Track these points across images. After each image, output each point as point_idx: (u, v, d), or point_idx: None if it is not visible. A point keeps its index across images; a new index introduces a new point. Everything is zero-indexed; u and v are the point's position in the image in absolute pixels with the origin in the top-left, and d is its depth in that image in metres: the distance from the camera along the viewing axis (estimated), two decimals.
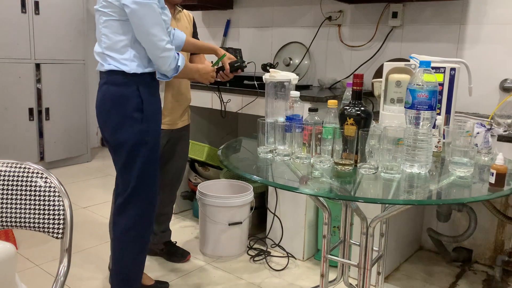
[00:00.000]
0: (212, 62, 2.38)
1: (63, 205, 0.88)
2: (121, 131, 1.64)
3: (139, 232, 1.78)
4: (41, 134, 3.92)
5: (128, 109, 1.63)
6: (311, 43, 2.88)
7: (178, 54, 1.68)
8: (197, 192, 2.46)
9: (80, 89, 4.14)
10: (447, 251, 2.42)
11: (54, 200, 0.88)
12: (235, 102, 2.59)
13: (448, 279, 2.27)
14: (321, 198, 1.46)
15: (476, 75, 2.05)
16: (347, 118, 1.29)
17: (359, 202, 1.40)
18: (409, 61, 2.32)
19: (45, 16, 3.80)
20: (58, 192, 0.90)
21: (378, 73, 2.55)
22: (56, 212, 0.87)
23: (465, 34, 2.33)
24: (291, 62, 2.95)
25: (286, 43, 3.02)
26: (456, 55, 2.36)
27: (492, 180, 1.12)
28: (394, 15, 2.51)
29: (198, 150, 2.89)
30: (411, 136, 1.22)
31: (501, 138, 1.74)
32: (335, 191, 1.18)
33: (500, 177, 1.11)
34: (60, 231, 0.86)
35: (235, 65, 2.06)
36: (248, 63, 2.06)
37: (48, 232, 0.87)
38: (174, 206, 2.68)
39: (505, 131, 1.82)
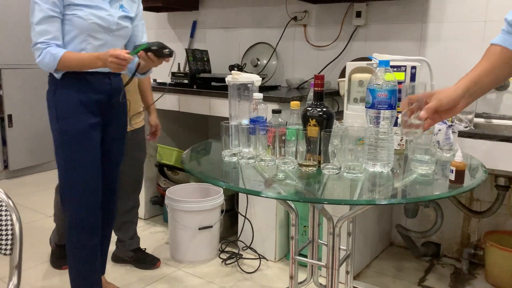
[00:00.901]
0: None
1: (11, 220, 0.83)
2: (52, 131, 1.73)
3: (74, 237, 1.74)
4: (4, 142, 3.79)
5: (50, 110, 1.72)
6: (278, 43, 2.88)
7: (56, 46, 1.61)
8: (165, 197, 2.42)
9: (45, 94, 4.01)
10: (416, 247, 2.47)
11: (1, 215, 0.84)
12: (202, 104, 2.57)
13: (417, 274, 2.31)
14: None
15: (438, 72, 2.09)
16: (310, 119, 1.28)
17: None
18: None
19: (4, 19, 3.67)
20: (6, 206, 0.85)
21: (344, 72, 2.57)
22: (4, 227, 0.82)
23: (427, 32, 2.38)
24: (258, 62, 2.94)
25: (253, 43, 3.01)
26: (418, 53, 2.40)
27: (452, 177, 1.14)
28: (358, 14, 2.54)
29: (166, 154, 2.85)
30: (372, 135, 1.23)
31: (462, 134, 1.77)
32: (299, 194, 1.17)
33: (460, 174, 1.13)
34: (9, 247, 0.82)
35: (164, 50, 1.60)
36: (168, 51, 1.62)
37: None
38: (140, 211, 2.64)
39: (466, 127, 1.86)
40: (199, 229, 2.33)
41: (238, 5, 3.06)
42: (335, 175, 1.24)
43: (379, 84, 1.23)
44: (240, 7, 3.05)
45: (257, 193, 1.13)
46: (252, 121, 1.41)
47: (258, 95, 1.43)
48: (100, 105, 1.74)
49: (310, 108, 1.30)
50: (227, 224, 2.66)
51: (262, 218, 2.42)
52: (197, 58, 2.84)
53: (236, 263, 2.38)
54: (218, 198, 2.39)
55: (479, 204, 2.34)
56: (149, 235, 2.75)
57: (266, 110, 1.46)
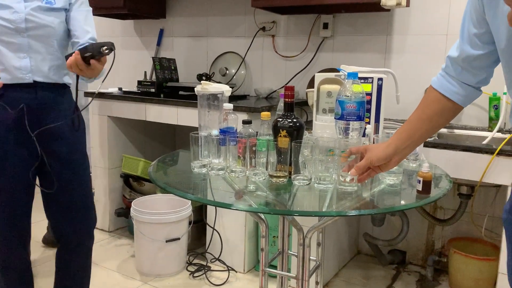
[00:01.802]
0: None
1: None
2: None
3: None
4: None
5: None
6: (246, 53, 2.89)
7: None
8: (131, 209, 2.36)
9: None
10: (383, 255, 2.51)
11: None
12: (170, 114, 2.53)
13: (384, 281, 2.35)
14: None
15: (403, 83, 2.15)
16: (280, 130, 1.29)
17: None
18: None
19: None
20: None
21: (312, 83, 2.60)
22: None
23: (392, 45, 2.45)
24: (227, 72, 2.94)
25: (221, 53, 3.01)
26: (384, 65, 2.47)
27: (419, 187, 1.17)
28: (325, 26, 2.59)
29: (132, 164, 2.79)
30: (342, 146, 1.25)
31: (427, 144, 1.82)
32: (270, 206, 1.17)
33: (427, 184, 1.16)
34: None
35: (102, 49, 1.35)
36: (106, 49, 1.35)
37: None
38: (104, 223, 2.57)
39: (430, 137, 1.92)
40: (166, 241, 2.29)
41: (206, 14, 3.05)
42: (305, 186, 1.24)
43: (348, 96, 1.25)
44: (208, 16, 3.05)
45: (227, 206, 1.12)
46: (222, 131, 1.40)
47: (229, 106, 1.43)
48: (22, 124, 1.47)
49: (280, 119, 1.31)
50: (195, 236, 2.63)
51: (230, 229, 2.40)
52: (164, 66, 2.81)
53: (204, 275, 2.35)
54: (185, 210, 2.35)
55: (443, 212, 2.41)
56: (114, 248, 2.67)
57: (236, 121, 1.45)
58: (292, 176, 1.26)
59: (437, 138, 1.95)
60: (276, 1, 2.35)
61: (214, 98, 1.46)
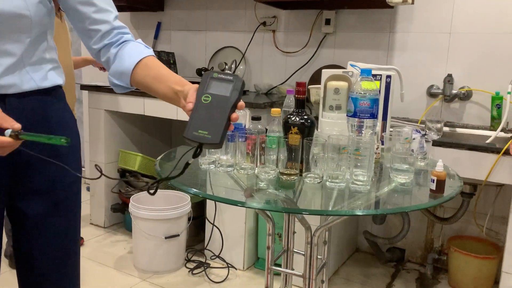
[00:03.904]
0: None
1: None
2: None
3: None
4: None
5: None
6: (247, 48, 2.86)
7: None
8: (129, 204, 2.33)
9: None
10: (382, 252, 2.51)
11: None
12: (168, 108, 2.50)
13: (384, 279, 2.35)
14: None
15: (405, 81, 2.14)
16: (291, 127, 1.27)
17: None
18: (343, 67, 2.38)
19: None
20: None
21: (313, 79, 2.59)
22: None
23: (394, 42, 2.44)
24: (226, 67, 2.91)
25: (220, 47, 2.97)
26: (386, 62, 2.46)
27: (433, 186, 1.16)
28: (327, 22, 2.57)
29: (129, 159, 2.75)
30: (354, 144, 1.23)
31: (433, 143, 1.82)
32: (282, 204, 1.15)
33: (440, 184, 1.15)
34: None
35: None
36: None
37: None
38: (99, 219, 2.52)
39: (438, 136, 1.92)
40: (166, 238, 2.26)
41: (205, 7, 3.01)
42: (317, 184, 1.23)
43: (362, 93, 1.23)
44: (208, 10, 3.01)
45: (240, 204, 1.10)
46: None
47: None
48: None
49: (291, 116, 1.29)
50: (192, 232, 2.60)
51: (231, 226, 2.38)
52: (163, 60, 2.77)
53: (203, 272, 2.33)
54: (185, 206, 2.33)
55: (443, 210, 2.42)
56: (110, 244, 2.63)
57: (245, 117, 1.43)
58: (303, 174, 1.25)
59: (441, 136, 1.95)
60: None
61: None
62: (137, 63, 1.07)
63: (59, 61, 1.13)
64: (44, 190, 1.07)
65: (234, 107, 0.93)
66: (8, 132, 0.85)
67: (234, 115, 0.92)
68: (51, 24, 1.07)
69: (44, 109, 0.94)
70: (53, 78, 1.06)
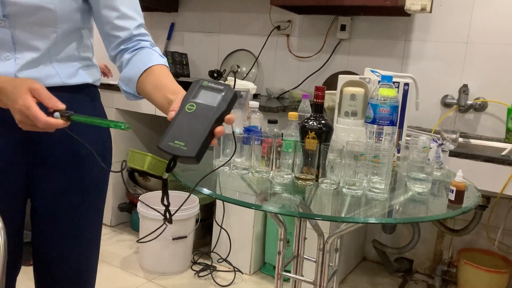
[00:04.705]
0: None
1: None
2: None
3: None
4: None
5: None
6: (260, 51, 2.85)
7: None
8: (138, 204, 2.32)
9: None
10: (390, 262, 2.49)
11: None
12: None
13: None
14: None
15: (419, 90, 2.13)
16: (309, 131, 1.25)
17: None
18: (357, 74, 2.36)
19: None
20: None
21: (326, 85, 2.58)
22: None
23: (410, 50, 2.42)
24: (238, 70, 2.90)
25: (233, 50, 2.97)
26: (401, 70, 2.44)
27: (452, 197, 1.14)
28: (343, 28, 2.56)
29: (139, 159, 2.74)
30: (373, 151, 1.22)
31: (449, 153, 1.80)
32: (298, 209, 1.14)
33: (460, 194, 1.13)
34: None
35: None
36: None
37: None
38: (106, 218, 2.51)
39: (455, 146, 1.90)
40: (173, 239, 2.25)
41: (220, 9, 3.01)
42: (333, 190, 1.21)
43: (382, 100, 1.22)
44: (222, 12, 3.01)
45: (257, 207, 1.09)
46: (247, 130, 1.36)
47: (254, 104, 1.39)
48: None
49: (309, 120, 1.28)
50: (200, 235, 2.59)
51: (238, 230, 2.36)
52: (177, 61, 2.77)
53: (210, 275, 2.31)
54: (194, 208, 2.31)
55: (453, 221, 2.39)
56: (116, 243, 2.63)
57: (260, 120, 1.42)
58: (319, 180, 1.23)
59: (457, 147, 1.92)
60: (296, 0, 2.32)
61: (239, 95, 1.43)
62: (145, 70, 1.01)
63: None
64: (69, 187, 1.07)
65: (220, 120, 0.80)
66: (57, 114, 0.83)
67: (218, 129, 0.79)
68: (84, 21, 1.06)
69: (70, 107, 0.88)
70: (82, 76, 1.06)
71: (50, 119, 0.82)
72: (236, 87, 1.41)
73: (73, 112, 0.83)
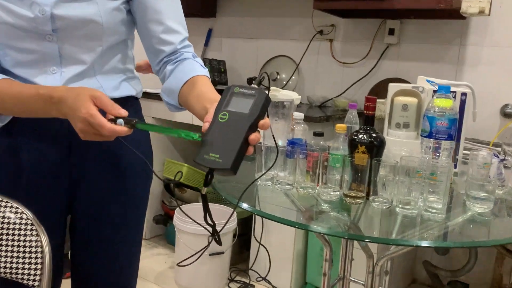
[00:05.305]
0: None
1: (41, 244, 0.76)
2: None
3: None
4: None
5: None
6: (302, 57, 2.84)
7: None
8: (174, 217, 2.35)
9: None
10: (443, 286, 2.40)
11: (28, 238, 0.77)
12: None
13: None
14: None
15: (477, 99, 2.06)
16: (358, 145, 1.23)
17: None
18: (406, 81, 2.31)
19: None
20: (33, 226, 0.78)
21: (373, 93, 2.53)
22: (33, 253, 0.75)
23: (465, 56, 2.35)
24: (278, 77, 2.90)
25: (273, 56, 2.97)
26: (455, 77, 2.37)
27: None
28: (391, 32, 2.51)
29: (175, 169, 2.78)
30: (430, 167, 1.18)
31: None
32: (347, 229, 1.11)
33: None
34: (37, 277, 0.75)
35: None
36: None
37: (22, 279, 0.76)
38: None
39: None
40: (210, 255, 2.25)
41: (259, 14, 3.03)
42: (385, 209, 1.18)
43: (439, 112, 1.18)
44: (261, 17, 3.02)
45: (302, 226, 1.07)
46: (291, 142, 1.35)
47: (299, 115, 1.38)
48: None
49: (358, 133, 1.25)
50: (236, 250, 2.59)
51: (278, 247, 2.34)
52: (214, 68, 2.80)
53: None
54: (231, 222, 2.32)
55: None
56: (150, 257, 2.66)
57: (305, 132, 1.40)
58: (370, 198, 1.20)
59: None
60: (341, 3, 2.29)
61: (282, 106, 1.42)
62: (186, 81, 1.04)
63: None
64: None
65: (254, 127, 0.79)
66: (121, 121, 0.84)
67: (252, 136, 0.78)
68: (129, 33, 1.10)
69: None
70: (125, 88, 1.09)
71: (116, 127, 0.82)
72: (279, 97, 1.40)
73: (137, 120, 0.85)
